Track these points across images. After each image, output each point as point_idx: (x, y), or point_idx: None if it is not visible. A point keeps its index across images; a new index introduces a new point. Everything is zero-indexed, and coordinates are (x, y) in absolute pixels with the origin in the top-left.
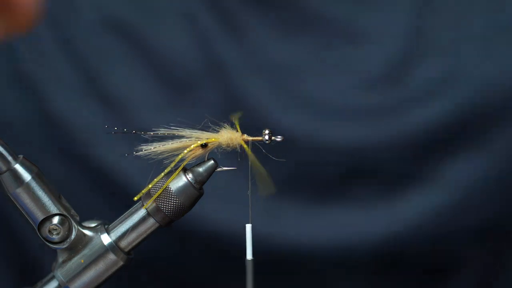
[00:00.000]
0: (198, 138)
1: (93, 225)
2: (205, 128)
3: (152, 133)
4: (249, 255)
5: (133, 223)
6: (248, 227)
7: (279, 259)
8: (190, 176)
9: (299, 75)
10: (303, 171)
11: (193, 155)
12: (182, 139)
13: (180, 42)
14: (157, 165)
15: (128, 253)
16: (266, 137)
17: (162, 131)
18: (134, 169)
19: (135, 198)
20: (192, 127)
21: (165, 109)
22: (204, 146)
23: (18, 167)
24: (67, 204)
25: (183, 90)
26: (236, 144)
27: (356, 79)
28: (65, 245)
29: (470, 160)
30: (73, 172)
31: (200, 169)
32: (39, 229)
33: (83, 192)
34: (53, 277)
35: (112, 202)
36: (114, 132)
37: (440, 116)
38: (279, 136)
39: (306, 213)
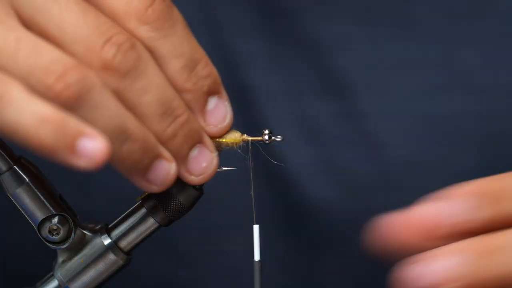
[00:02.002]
0: None
1: (93, 225)
2: None
3: None
4: (256, 256)
5: (133, 223)
6: (256, 228)
7: None
8: None
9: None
10: None
11: None
12: None
13: None
14: None
15: (128, 253)
16: (266, 137)
17: None
18: None
19: (138, 199)
20: None
21: None
22: None
23: (17, 167)
24: (67, 204)
25: None
26: (235, 144)
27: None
28: (65, 245)
29: None
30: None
31: None
32: (39, 229)
33: (83, 192)
34: (53, 277)
35: (112, 202)
36: None
37: None
38: (279, 136)
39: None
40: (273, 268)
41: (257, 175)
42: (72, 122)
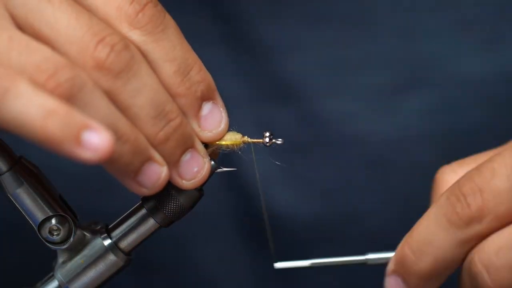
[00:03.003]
0: None
1: (93, 225)
2: None
3: None
4: None
5: (133, 224)
6: None
7: None
8: None
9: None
10: None
11: None
12: None
13: None
14: None
15: (128, 254)
16: (267, 139)
17: None
18: None
19: None
20: None
21: None
22: (204, 147)
23: (18, 168)
24: (67, 205)
25: None
26: (236, 146)
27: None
28: (65, 245)
29: None
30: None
31: None
32: (39, 229)
33: (84, 192)
34: (53, 278)
35: (113, 202)
36: None
37: None
38: (279, 139)
39: None
40: (242, 276)
41: (218, 184)
42: (77, 115)
